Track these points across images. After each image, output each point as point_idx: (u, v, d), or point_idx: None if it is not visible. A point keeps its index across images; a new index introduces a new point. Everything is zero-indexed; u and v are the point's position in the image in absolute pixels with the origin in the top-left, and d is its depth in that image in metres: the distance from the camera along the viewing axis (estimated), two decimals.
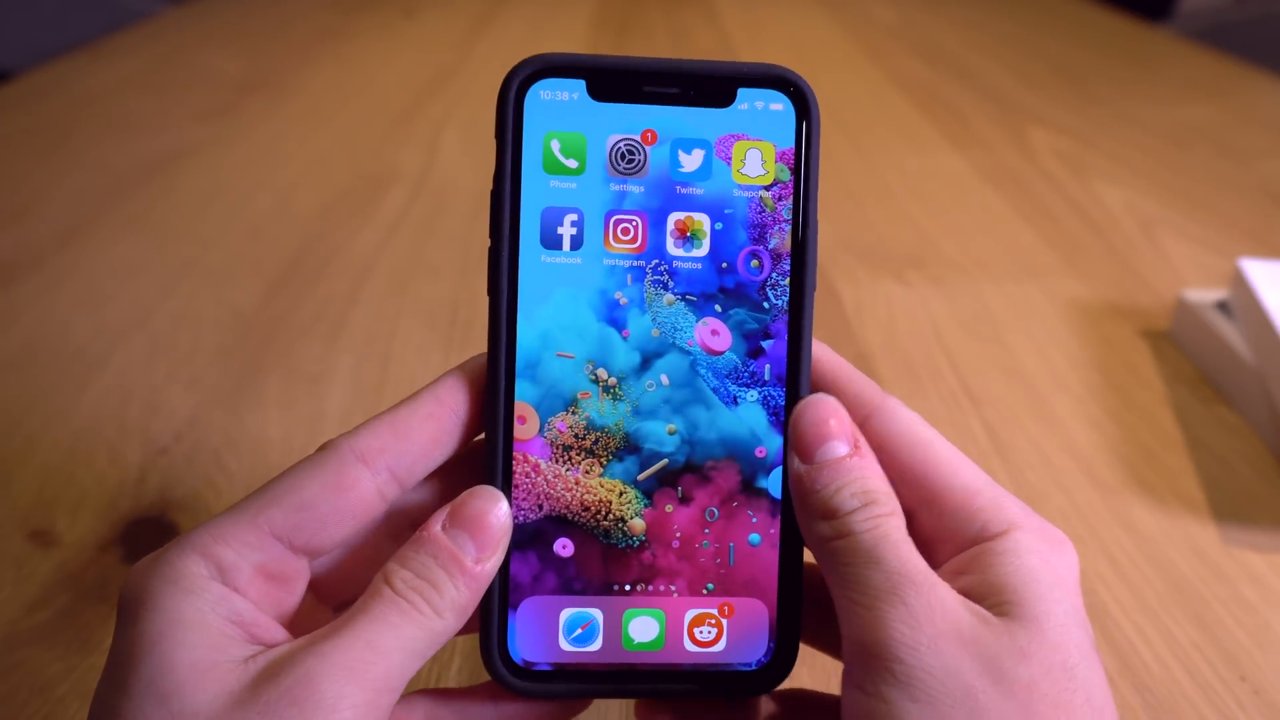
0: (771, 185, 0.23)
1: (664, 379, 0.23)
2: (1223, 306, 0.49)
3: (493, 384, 0.23)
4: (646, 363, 0.23)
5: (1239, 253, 0.61)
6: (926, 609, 0.19)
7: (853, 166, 0.75)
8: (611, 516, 0.23)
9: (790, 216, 0.23)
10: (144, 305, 0.54)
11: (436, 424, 0.23)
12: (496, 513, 0.22)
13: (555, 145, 0.23)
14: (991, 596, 0.20)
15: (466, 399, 0.23)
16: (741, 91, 0.23)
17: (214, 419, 0.44)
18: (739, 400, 0.23)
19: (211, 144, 0.78)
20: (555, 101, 0.23)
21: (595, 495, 0.23)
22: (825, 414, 0.22)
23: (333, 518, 0.22)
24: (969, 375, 0.48)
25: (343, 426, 0.43)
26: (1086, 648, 0.20)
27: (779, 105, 0.23)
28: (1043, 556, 0.21)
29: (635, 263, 0.23)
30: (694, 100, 0.23)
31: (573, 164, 0.23)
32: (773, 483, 0.23)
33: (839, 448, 0.22)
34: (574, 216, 0.23)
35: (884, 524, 0.21)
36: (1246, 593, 0.36)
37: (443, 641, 0.21)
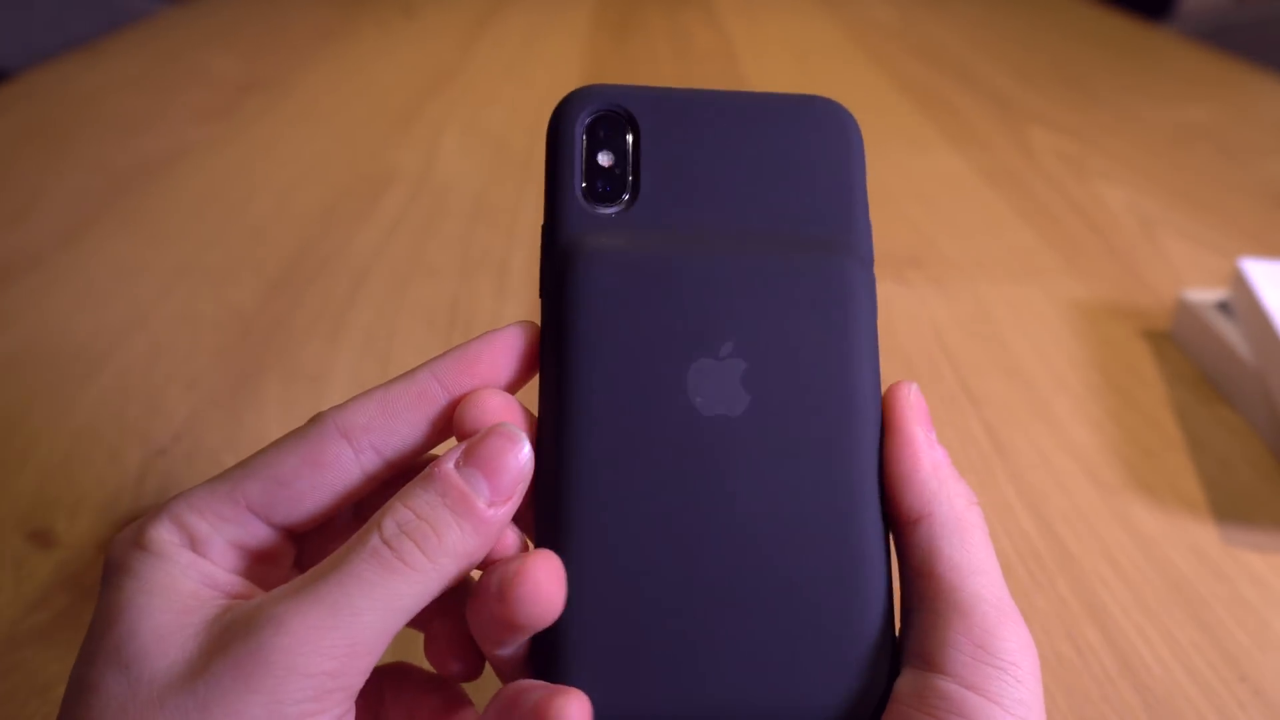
0: None
1: None
2: (1223, 307, 0.49)
3: None
4: None
5: (1239, 253, 0.61)
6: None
7: None
8: None
9: None
10: (144, 305, 0.54)
11: (430, 406, 0.21)
12: (517, 454, 0.20)
13: None
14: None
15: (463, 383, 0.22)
16: None
17: (214, 419, 0.44)
18: None
19: (211, 144, 0.78)
20: None
21: None
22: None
23: (310, 494, 0.21)
24: (969, 375, 0.48)
25: None
26: None
27: None
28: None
29: None
30: None
31: None
32: None
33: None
34: None
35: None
36: (1246, 593, 0.36)
37: (441, 588, 0.19)
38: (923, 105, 0.89)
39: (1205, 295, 0.50)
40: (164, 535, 0.20)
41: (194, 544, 0.20)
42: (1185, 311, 0.50)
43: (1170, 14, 1.47)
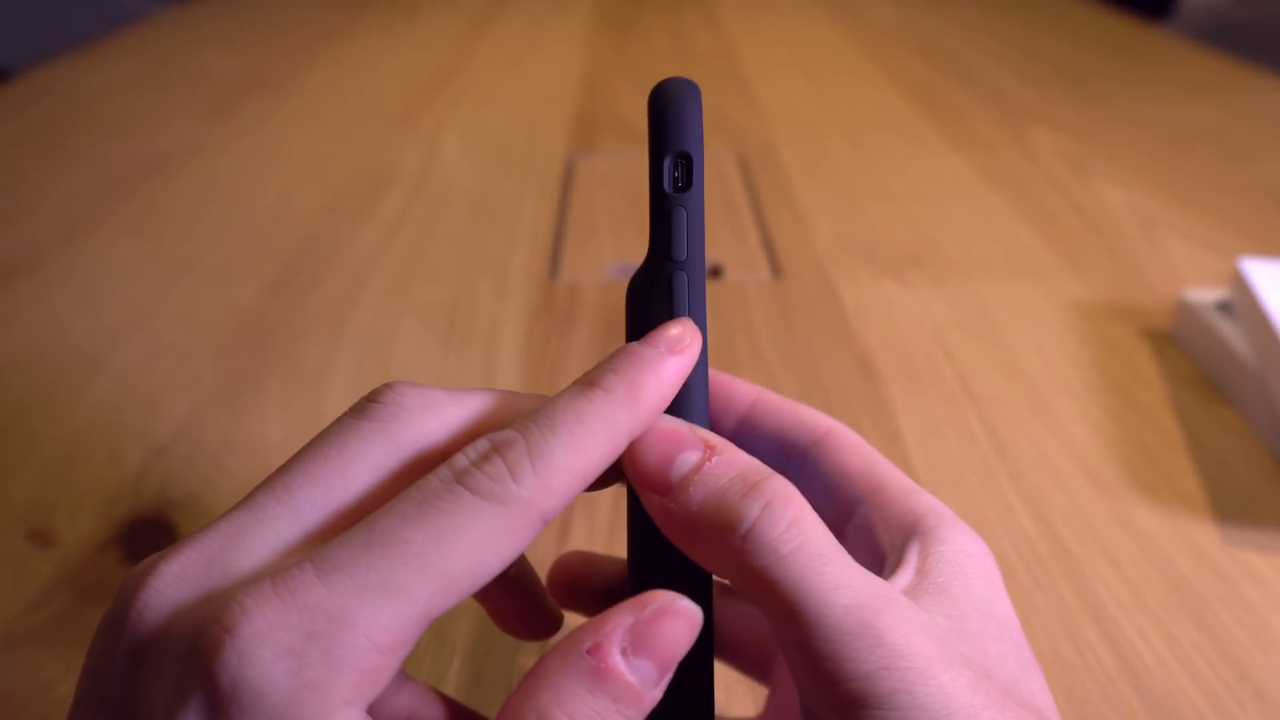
0: None
1: None
2: (1224, 307, 0.49)
3: None
4: None
5: (1239, 253, 0.61)
6: (905, 637, 0.17)
7: (853, 167, 0.75)
8: None
9: None
10: (144, 305, 0.54)
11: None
12: (690, 633, 0.18)
13: None
14: (932, 589, 0.19)
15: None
16: None
17: (213, 419, 0.44)
18: None
19: (211, 144, 0.78)
20: None
21: None
22: (659, 434, 0.19)
23: (491, 584, 0.19)
24: (969, 375, 0.48)
25: None
26: (1023, 650, 0.19)
27: None
28: (975, 558, 0.20)
29: None
30: None
31: None
32: None
33: (690, 457, 0.18)
34: None
35: (806, 534, 0.17)
36: (1247, 593, 0.36)
37: None
38: (923, 105, 0.89)
39: (1205, 295, 0.50)
40: (346, 694, 0.16)
41: (378, 685, 0.17)
42: (1185, 311, 0.50)
43: (1170, 14, 1.47)
